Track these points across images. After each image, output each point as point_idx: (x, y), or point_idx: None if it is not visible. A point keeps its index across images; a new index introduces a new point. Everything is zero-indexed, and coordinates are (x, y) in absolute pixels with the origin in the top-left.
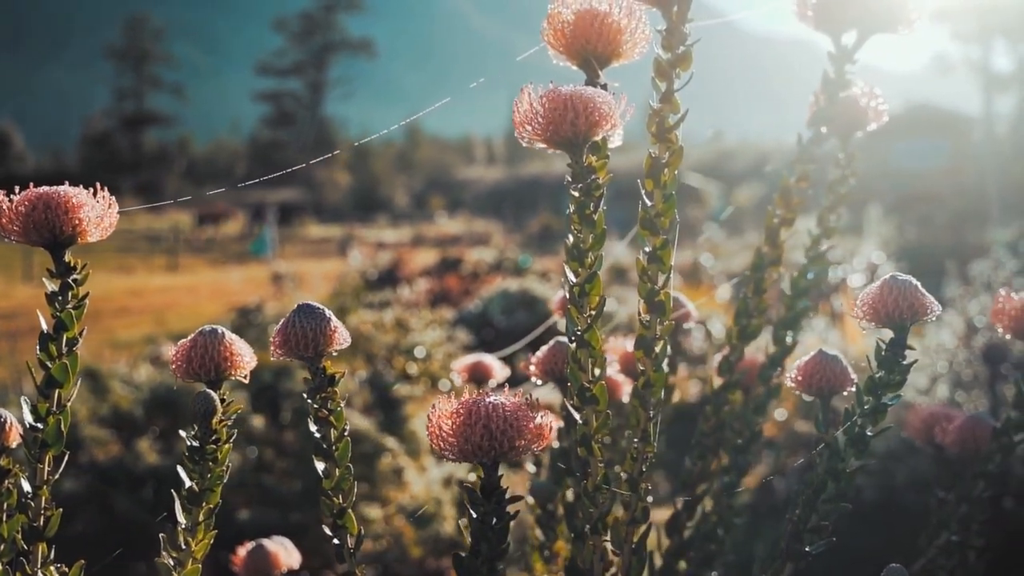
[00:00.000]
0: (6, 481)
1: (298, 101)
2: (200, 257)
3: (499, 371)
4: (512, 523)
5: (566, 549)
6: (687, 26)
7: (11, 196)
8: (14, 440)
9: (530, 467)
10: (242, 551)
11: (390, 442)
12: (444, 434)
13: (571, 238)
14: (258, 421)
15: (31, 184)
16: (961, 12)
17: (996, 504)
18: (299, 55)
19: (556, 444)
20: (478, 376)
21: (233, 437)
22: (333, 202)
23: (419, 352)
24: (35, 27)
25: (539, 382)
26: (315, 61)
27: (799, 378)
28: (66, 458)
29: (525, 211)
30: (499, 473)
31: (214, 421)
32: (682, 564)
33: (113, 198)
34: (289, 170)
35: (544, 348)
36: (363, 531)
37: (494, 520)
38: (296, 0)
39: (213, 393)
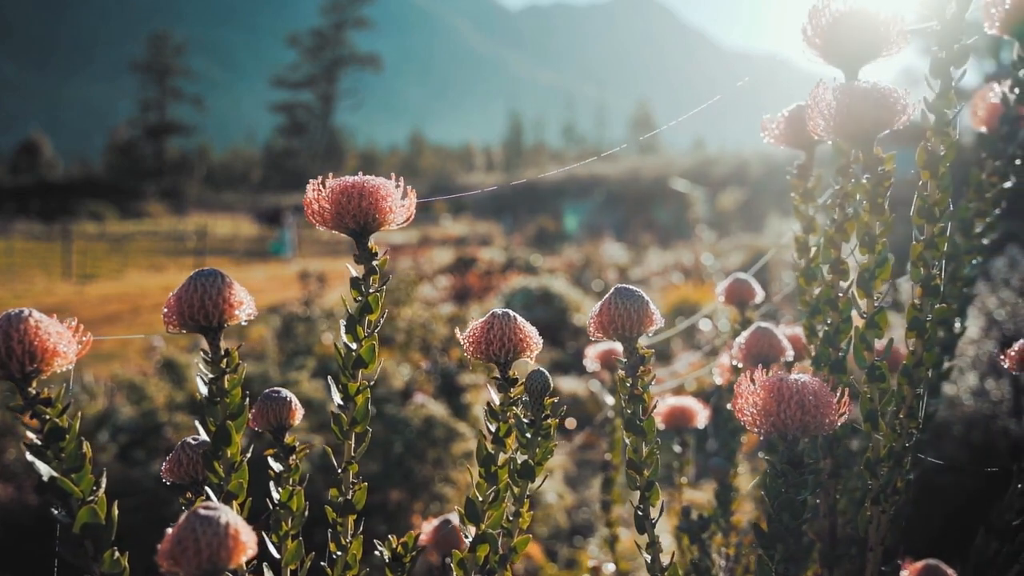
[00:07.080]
0: (291, 457)
1: (310, 112)
2: (224, 257)
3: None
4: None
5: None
6: None
7: (317, 187)
8: (297, 419)
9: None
10: (427, 526)
11: (462, 427)
12: (756, 409)
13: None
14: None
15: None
16: (930, 30)
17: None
18: (311, 69)
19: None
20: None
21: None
22: None
23: None
24: (63, 42)
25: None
26: (326, 75)
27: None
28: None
29: (522, 214)
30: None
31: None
32: None
33: (413, 190)
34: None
35: (746, 333)
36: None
37: (795, 490)
38: (307, 17)
39: None
